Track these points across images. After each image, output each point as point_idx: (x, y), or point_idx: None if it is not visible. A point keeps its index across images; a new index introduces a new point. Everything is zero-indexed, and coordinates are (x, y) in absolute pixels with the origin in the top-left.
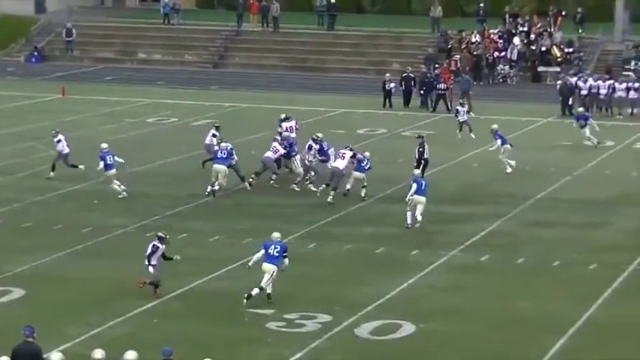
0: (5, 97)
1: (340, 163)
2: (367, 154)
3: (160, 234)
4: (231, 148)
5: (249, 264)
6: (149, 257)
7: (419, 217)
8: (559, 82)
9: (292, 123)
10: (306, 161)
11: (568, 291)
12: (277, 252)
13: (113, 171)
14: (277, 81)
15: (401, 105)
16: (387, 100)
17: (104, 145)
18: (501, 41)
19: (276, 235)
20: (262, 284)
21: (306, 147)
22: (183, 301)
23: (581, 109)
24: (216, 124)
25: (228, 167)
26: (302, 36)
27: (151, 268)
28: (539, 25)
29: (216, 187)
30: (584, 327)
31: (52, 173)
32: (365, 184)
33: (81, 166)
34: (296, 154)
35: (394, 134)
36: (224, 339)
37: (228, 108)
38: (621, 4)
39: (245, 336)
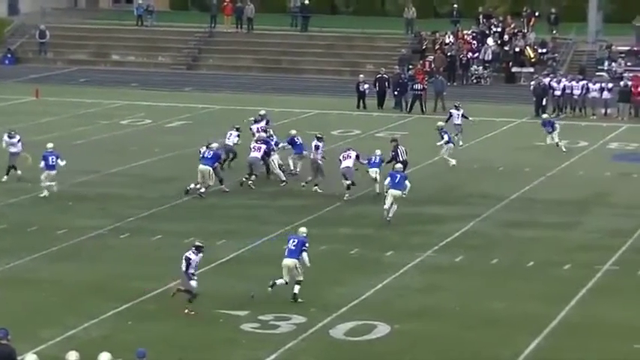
0: None
1: (349, 162)
2: (378, 152)
3: (198, 243)
4: (218, 149)
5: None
6: (187, 268)
7: (390, 211)
8: (533, 82)
9: (263, 123)
10: (319, 161)
11: (542, 291)
12: (294, 245)
13: (54, 172)
14: (251, 82)
15: (375, 106)
16: (361, 101)
17: (49, 145)
18: (475, 42)
19: (302, 230)
20: (286, 280)
21: (313, 147)
22: (157, 303)
23: (545, 115)
24: (237, 126)
25: (213, 168)
26: (276, 37)
27: (193, 282)
28: (512, 26)
29: (202, 190)
30: (558, 327)
31: (19, 172)
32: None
33: (19, 172)
34: (274, 153)
35: (368, 135)
36: (198, 340)
37: (202, 110)
38: (594, 5)
39: (220, 337)
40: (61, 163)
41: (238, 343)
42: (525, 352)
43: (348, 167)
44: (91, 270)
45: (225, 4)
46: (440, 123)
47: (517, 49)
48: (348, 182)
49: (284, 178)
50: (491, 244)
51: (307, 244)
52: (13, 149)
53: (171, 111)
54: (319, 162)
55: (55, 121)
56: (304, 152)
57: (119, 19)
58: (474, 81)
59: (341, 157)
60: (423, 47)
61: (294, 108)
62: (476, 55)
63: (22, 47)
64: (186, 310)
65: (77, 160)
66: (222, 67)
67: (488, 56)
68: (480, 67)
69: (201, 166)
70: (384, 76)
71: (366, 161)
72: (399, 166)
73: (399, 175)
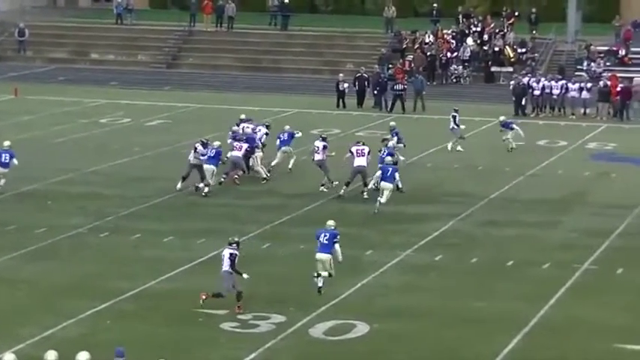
0: None
1: (362, 161)
2: (391, 143)
3: (236, 239)
4: (219, 147)
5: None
6: (233, 265)
7: (382, 201)
8: (512, 82)
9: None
10: (324, 161)
11: (521, 290)
12: (327, 240)
13: (5, 170)
14: (231, 81)
15: (354, 105)
16: (341, 101)
17: (6, 143)
18: (454, 41)
19: (330, 222)
20: (330, 272)
21: (321, 147)
22: (136, 302)
23: (502, 118)
24: (267, 124)
25: (215, 166)
26: (255, 36)
27: (245, 275)
28: (492, 26)
29: (206, 190)
30: (537, 326)
31: None
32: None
33: None
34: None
35: (348, 134)
36: (177, 340)
37: (182, 108)
38: (573, 4)
39: (199, 337)
40: (15, 162)
41: (218, 342)
42: (504, 351)
43: (363, 166)
44: (69, 269)
45: (205, 2)
46: (392, 123)
47: (496, 49)
48: (365, 181)
49: (265, 176)
50: (471, 244)
51: (339, 237)
52: None
53: (150, 110)
54: (324, 162)
55: (34, 120)
56: (283, 148)
57: (98, 17)
58: (454, 80)
59: (354, 151)
60: (403, 46)
61: (274, 107)
62: (455, 54)
63: (1, 45)
64: (240, 309)
65: (56, 158)
66: (202, 66)
67: (467, 55)
68: (460, 67)
69: (206, 165)
70: (364, 75)
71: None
72: (389, 159)
73: (390, 169)
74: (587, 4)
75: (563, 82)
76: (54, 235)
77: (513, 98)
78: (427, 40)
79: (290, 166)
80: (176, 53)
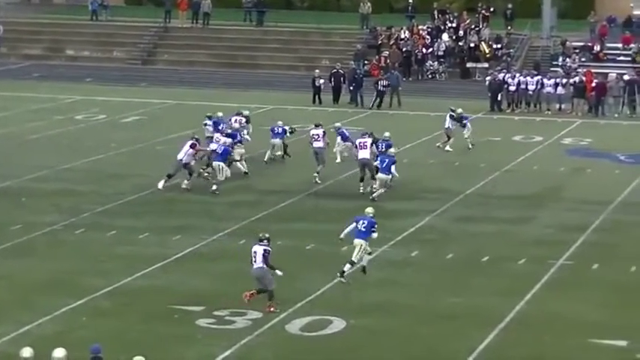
0: None
1: (366, 153)
2: (387, 134)
3: (267, 235)
4: (228, 145)
5: (341, 236)
6: (267, 262)
7: (380, 190)
8: (488, 78)
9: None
10: (322, 149)
11: (497, 286)
12: (364, 227)
13: None
14: (207, 78)
15: (330, 101)
16: (317, 97)
17: None
18: (429, 37)
19: (368, 210)
20: (353, 258)
21: (321, 134)
22: (112, 299)
23: (460, 110)
24: (291, 127)
25: (224, 162)
26: (231, 32)
27: (279, 271)
28: (468, 22)
29: (214, 188)
30: (513, 321)
31: None
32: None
33: None
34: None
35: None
36: (154, 336)
37: (158, 105)
38: (548, 1)
39: (175, 333)
40: None
41: (194, 338)
42: (480, 347)
43: (367, 159)
44: (45, 266)
45: None
46: (337, 124)
47: (471, 45)
48: (370, 174)
49: (245, 170)
50: (447, 239)
51: (376, 226)
52: None
53: (126, 106)
54: (323, 150)
55: (8, 116)
56: (274, 140)
57: (73, 13)
58: (430, 76)
59: (357, 144)
60: (379, 42)
61: (250, 103)
62: (430, 50)
63: None
64: (272, 308)
65: (31, 155)
66: (177, 63)
67: (441, 51)
68: (435, 63)
69: (215, 163)
70: (340, 71)
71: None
72: (392, 150)
73: (387, 160)
74: (562, 0)
75: (539, 77)
76: (29, 232)
77: (489, 94)
78: (403, 36)
79: (266, 159)
80: (151, 49)
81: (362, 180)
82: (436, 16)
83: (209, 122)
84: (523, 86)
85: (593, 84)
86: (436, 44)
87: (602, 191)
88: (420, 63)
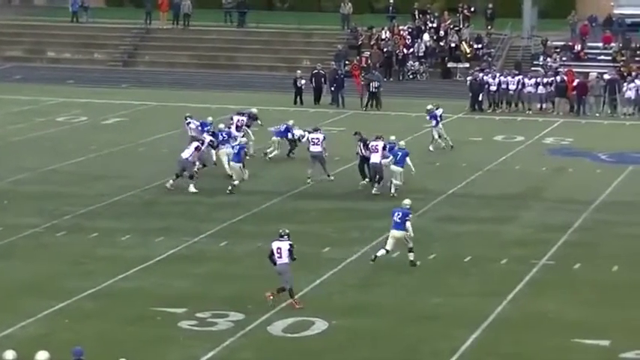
0: None
1: (376, 157)
2: (402, 143)
3: (286, 230)
4: (241, 143)
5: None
6: (292, 257)
7: (396, 182)
8: (469, 78)
9: (244, 118)
10: (323, 154)
11: (480, 286)
12: (399, 218)
13: None
14: (188, 79)
15: (312, 102)
16: (298, 97)
17: None
18: (410, 38)
19: (406, 202)
20: (387, 247)
21: (321, 139)
22: (94, 301)
23: (430, 107)
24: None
25: (237, 163)
26: (212, 33)
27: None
28: (449, 22)
29: (234, 183)
30: (495, 321)
31: None
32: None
33: None
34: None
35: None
36: (136, 338)
37: (139, 106)
38: (529, 0)
39: (157, 335)
40: None
41: (176, 340)
42: (463, 347)
43: (376, 163)
44: (27, 268)
45: (161, 0)
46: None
47: (452, 45)
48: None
49: (230, 173)
50: (429, 240)
51: (410, 215)
52: None
53: (107, 108)
54: (322, 154)
55: None
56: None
57: (54, 15)
58: (410, 77)
59: (370, 147)
60: (359, 43)
61: (231, 104)
62: (411, 50)
63: None
64: (298, 305)
65: (13, 157)
66: (158, 64)
67: (422, 51)
68: (416, 63)
69: (233, 163)
70: (321, 72)
71: (390, 157)
72: (402, 143)
73: (400, 153)
74: None
75: (520, 77)
76: (11, 234)
77: (470, 94)
78: (384, 37)
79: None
80: (132, 51)
81: (379, 182)
82: (417, 17)
83: (192, 121)
84: (504, 86)
85: (575, 83)
86: (417, 44)
87: (583, 191)
88: (401, 63)
